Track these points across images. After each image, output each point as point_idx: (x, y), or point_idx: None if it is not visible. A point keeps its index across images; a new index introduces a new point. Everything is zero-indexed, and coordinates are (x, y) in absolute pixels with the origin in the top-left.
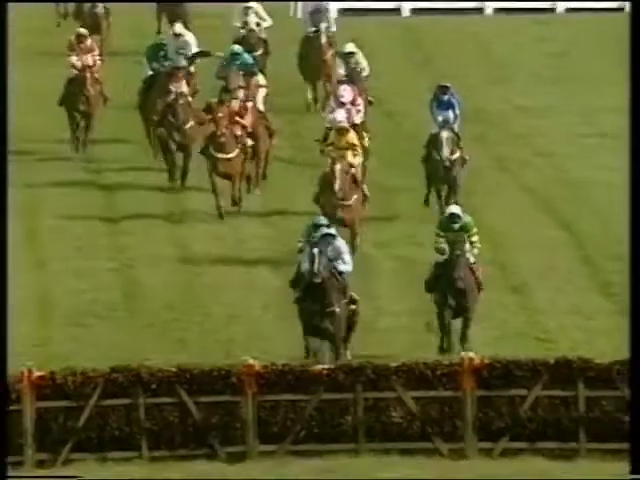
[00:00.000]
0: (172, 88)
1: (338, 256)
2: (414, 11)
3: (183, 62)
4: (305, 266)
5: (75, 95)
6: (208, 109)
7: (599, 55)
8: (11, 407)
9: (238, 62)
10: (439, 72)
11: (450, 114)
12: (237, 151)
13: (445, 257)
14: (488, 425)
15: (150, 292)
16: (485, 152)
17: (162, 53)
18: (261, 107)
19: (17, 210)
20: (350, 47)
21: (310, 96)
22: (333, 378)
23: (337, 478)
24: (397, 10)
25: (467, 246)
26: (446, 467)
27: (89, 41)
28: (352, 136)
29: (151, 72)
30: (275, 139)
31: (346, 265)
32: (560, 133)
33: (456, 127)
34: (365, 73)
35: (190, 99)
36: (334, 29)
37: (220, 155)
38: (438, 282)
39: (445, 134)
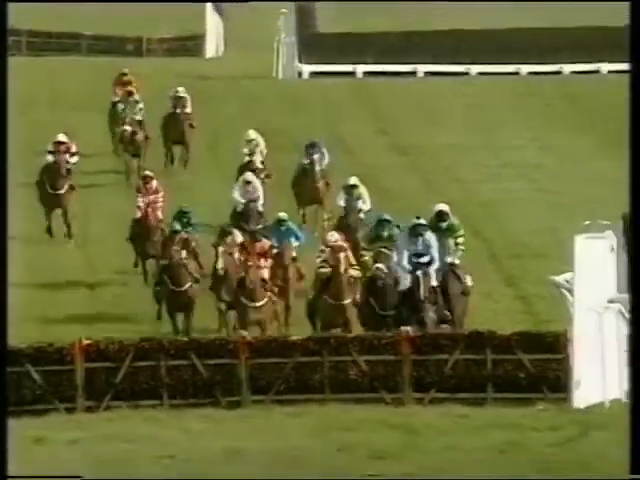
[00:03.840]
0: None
1: (427, 251)
2: (366, 74)
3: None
4: (406, 283)
5: (140, 235)
6: (243, 248)
7: (502, 106)
8: (66, 367)
9: (284, 228)
10: (386, 118)
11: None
12: (266, 299)
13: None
14: (420, 380)
15: None
16: (420, 178)
17: (185, 220)
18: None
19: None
20: (353, 180)
21: (301, 219)
22: (306, 346)
23: (309, 420)
24: (353, 73)
25: (451, 244)
26: (389, 411)
27: (154, 182)
28: None
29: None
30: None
31: (435, 264)
32: (474, 164)
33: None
34: (366, 207)
35: (185, 262)
36: (327, 161)
37: (251, 304)
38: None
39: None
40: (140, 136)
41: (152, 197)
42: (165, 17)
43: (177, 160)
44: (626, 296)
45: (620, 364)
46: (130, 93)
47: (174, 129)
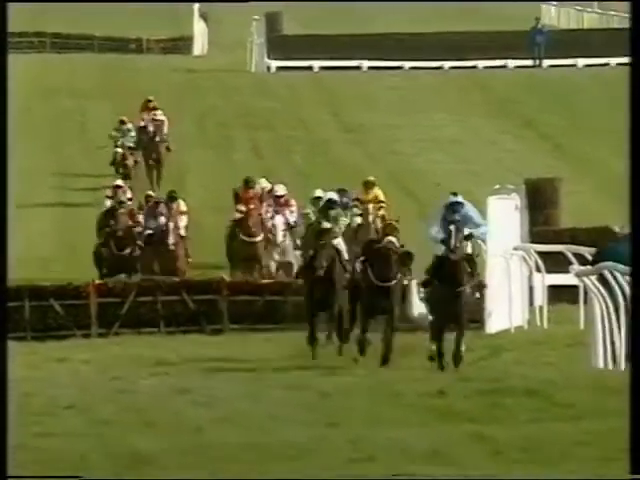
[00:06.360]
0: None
1: (467, 221)
2: (321, 68)
3: None
4: (441, 248)
5: None
6: (236, 196)
7: (429, 94)
8: (83, 301)
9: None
10: (336, 103)
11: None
12: (262, 235)
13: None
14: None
15: None
16: (363, 152)
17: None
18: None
19: None
20: (319, 192)
21: None
22: (272, 287)
23: (276, 343)
24: (311, 68)
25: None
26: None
27: (161, 205)
28: None
29: None
30: None
31: (480, 228)
32: (406, 140)
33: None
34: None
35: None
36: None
37: (248, 239)
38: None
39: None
40: (130, 161)
41: (160, 219)
42: (161, 22)
43: (154, 179)
44: (527, 244)
45: (523, 298)
46: (123, 122)
47: (153, 154)
